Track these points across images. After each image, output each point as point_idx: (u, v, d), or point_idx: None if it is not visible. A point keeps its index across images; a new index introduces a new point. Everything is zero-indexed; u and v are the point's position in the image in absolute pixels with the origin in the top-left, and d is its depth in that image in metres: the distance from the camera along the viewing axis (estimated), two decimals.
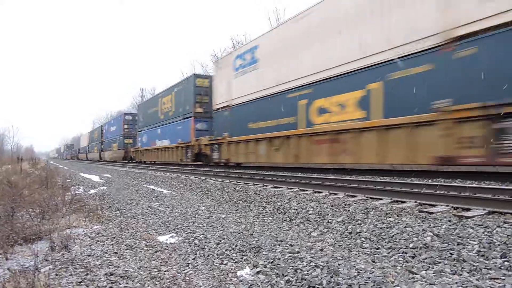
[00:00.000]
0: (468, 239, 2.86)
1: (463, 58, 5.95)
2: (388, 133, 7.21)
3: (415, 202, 4.27)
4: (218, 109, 13.93)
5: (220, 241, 3.47)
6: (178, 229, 4.17)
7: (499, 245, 2.67)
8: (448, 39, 6.13)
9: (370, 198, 4.86)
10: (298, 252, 2.92)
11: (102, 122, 56.63)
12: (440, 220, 3.41)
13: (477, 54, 5.74)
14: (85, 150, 49.35)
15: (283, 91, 10.25)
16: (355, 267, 2.49)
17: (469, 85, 5.84)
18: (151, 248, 3.45)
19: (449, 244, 2.81)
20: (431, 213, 3.69)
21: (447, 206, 3.92)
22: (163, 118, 20.09)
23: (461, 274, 2.37)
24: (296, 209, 4.73)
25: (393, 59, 7.06)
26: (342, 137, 8.29)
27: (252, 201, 5.74)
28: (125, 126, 29.91)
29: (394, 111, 7.05)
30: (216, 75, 14.44)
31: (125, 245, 3.57)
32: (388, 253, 2.94)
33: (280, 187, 6.63)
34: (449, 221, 3.35)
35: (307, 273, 2.45)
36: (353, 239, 3.41)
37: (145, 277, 2.65)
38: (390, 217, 3.73)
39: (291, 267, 2.58)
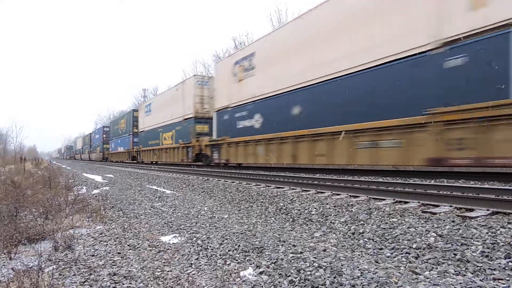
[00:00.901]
0: (472, 240, 2.85)
1: (187, 126, 17.30)
2: (174, 149, 18.96)
3: (418, 202, 4.26)
4: (140, 131, 26.21)
5: (223, 241, 3.47)
6: (181, 229, 4.18)
7: (503, 245, 2.66)
8: (184, 119, 17.66)
9: (373, 198, 4.85)
10: (301, 253, 2.91)
11: (104, 121, 60.80)
12: (444, 220, 3.40)
13: (187, 125, 17.37)
14: (80, 151, 59.87)
15: (157, 127, 22.05)
16: (358, 267, 2.48)
17: (186, 135, 17.20)
18: (154, 248, 3.45)
19: (452, 245, 2.81)
20: (434, 213, 3.68)
21: (451, 206, 3.91)
22: (121, 133, 31.83)
23: (465, 275, 2.36)
24: (299, 210, 4.73)
25: (175, 122, 18.81)
26: (168, 150, 19.99)
27: (254, 202, 5.74)
28: (104, 135, 40.10)
29: (177, 141, 18.34)
30: (139, 112, 27.13)
31: (128, 245, 3.58)
32: (392, 253, 2.93)
33: (282, 188, 6.63)
34: (453, 221, 3.34)
35: (310, 274, 2.45)
36: (356, 239, 3.40)
37: (148, 277, 2.66)
38: (393, 218, 3.72)
39: (294, 268, 2.58)
